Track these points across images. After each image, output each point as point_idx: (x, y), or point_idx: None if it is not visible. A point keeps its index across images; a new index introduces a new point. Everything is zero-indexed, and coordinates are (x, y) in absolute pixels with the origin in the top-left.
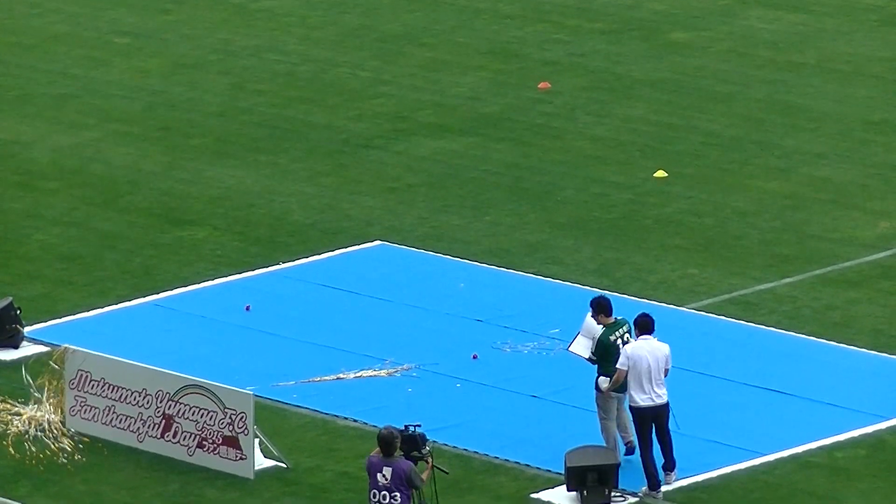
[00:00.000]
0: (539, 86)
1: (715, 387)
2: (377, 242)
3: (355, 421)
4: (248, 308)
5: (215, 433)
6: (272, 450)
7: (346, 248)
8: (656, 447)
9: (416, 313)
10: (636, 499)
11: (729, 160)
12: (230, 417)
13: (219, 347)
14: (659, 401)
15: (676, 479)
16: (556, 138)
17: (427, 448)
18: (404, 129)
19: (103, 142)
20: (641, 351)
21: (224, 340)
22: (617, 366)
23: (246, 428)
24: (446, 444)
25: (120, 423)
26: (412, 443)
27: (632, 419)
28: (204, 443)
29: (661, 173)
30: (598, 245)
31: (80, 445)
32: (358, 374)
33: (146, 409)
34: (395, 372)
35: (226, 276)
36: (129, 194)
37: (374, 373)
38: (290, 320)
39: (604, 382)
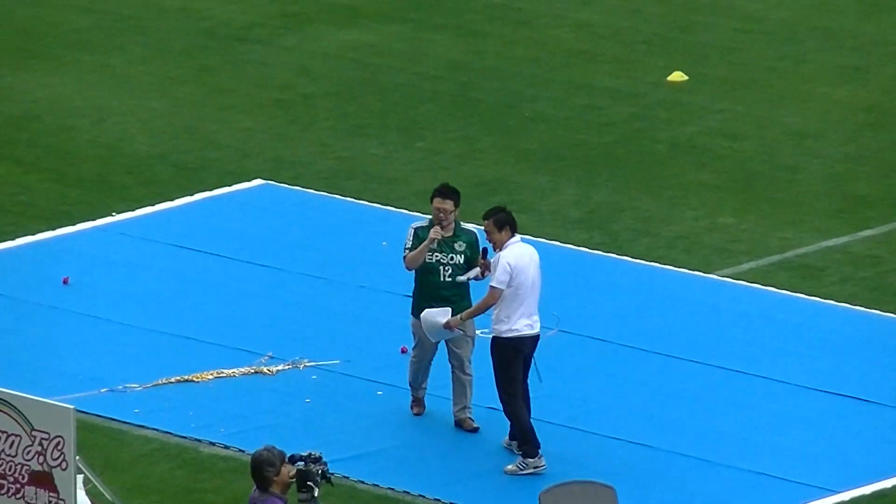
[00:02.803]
0: None
1: (762, 392)
2: (257, 182)
3: (226, 447)
4: (65, 281)
5: (18, 467)
6: (103, 492)
7: (210, 190)
8: None
9: (314, 286)
10: None
11: (778, 55)
12: (40, 444)
13: (23, 340)
14: (538, 328)
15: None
16: (521, 25)
17: (318, 489)
18: (297, 13)
19: None
20: (524, 259)
21: (30, 329)
22: (493, 283)
23: (63, 459)
24: (361, 482)
25: None
26: (305, 479)
27: (495, 360)
28: (1, 482)
29: (677, 76)
30: (586, 183)
31: None
32: (228, 374)
33: None
34: (280, 370)
35: (33, 234)
36: None
37: (250, 371)
38: (128, 298)
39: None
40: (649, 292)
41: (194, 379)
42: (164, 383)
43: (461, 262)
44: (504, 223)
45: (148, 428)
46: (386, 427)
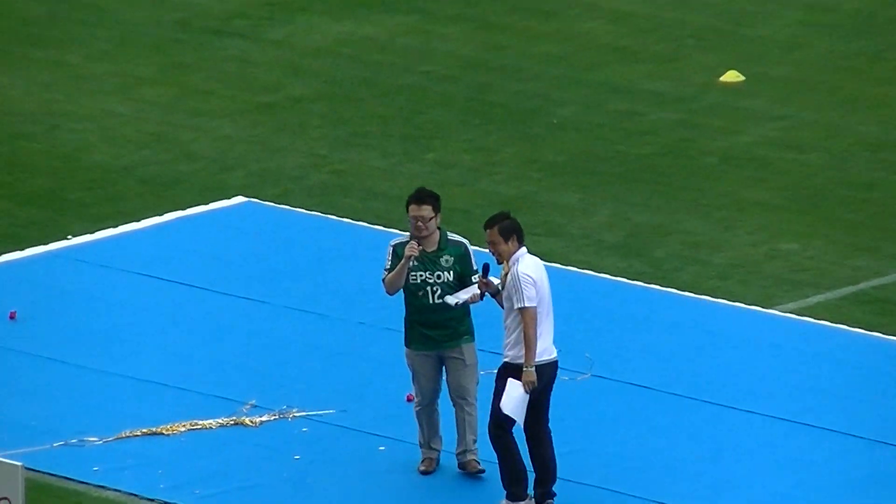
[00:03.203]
0: None
1: (832, 448)
2: (238, 199)
3: None
4: (12, 315)
5: None
6: None
7: (184, 209)
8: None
9: (304, 322)
10: None
11: (851, 51)
12: None
13: None
14: (556, 353)
15: None
16: (548, 16)
17: None
18: (285, 1)
19: None
20: (542, 272)
21: None
22: (525, 304)
23: None
24: None
25: None
26: None
27: (500, 387)
28: None
29: (731, 76)
30: (624, 202)
31: None
32: (204, 425)
33: None
34: (265, 421)
35: None
36: None
37: (229, 423)
38: (86, 336)
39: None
40: (698, 330)
41: (164, 431)
42: (129, 436)
43: (451, 279)
44: (511, 231)
45: (109, 489)
46: (389, 489)
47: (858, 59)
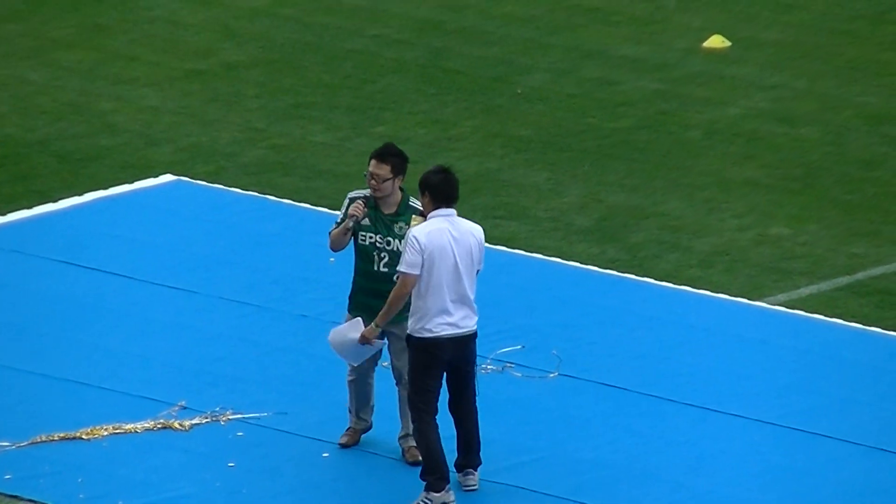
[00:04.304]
0: None
1: (827, 454)
2: (166, 178)
3: None
4: None
5: None
6: None
7: (105, 188)
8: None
9: (239, 315)
10: None
11: (850, 13)
12: None
13: None
14: (466, 327)
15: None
16: None
17: None
18: None
19: None
20: (440, 237)
21: None
22: (401, 268)
23: None
24: None
25: None
26: None
27: (410, 361)
28: None
29: (717, 41)
30: (596, 182)
31: None
32: (128, 429)
33: None
34: (196, 424)
35: None
36: None
37: (157, 426)
38: None
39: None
40: (678, 325)
41: (83, 436)
42: (44, 441)
43: (400, 248)
44: (425, 188)
45: (23, 499)
46: (333, 500)
47: (858, 23)
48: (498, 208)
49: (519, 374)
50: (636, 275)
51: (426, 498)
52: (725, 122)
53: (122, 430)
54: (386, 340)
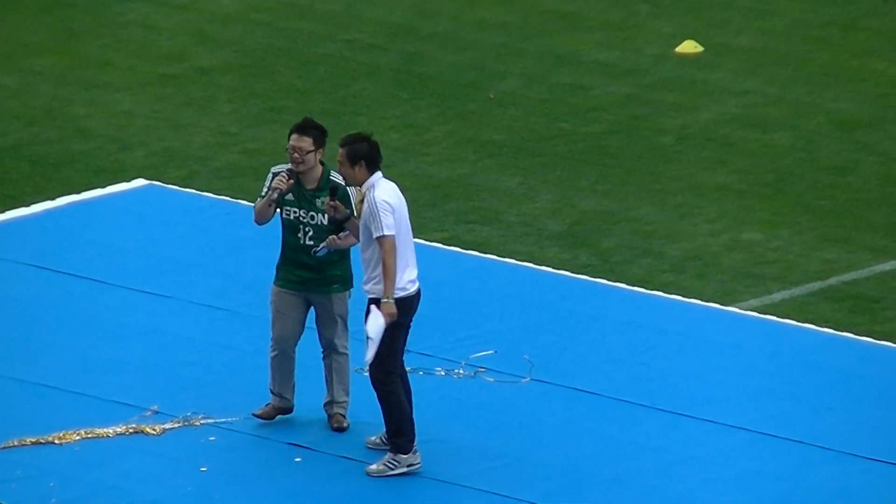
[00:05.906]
0: None
1: (800, 460)
2: (139, 182)
3: None
4: None
5: None
6: None
7: (77, 192)
8: None
9: (211, 319)
10: None
11: (822, 20)
12: None
13: None
14: (417, 283)
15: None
16: None
17: None
18: None
19: None
20: (399, 197)
21: None
22: (383, 231)
23: None
24: None
25: None
26: None
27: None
28: None
29: (689, 46)
30: (569, 187)
31: None
32: (100, 434)
33: None
34: (168, 429)
35: None
36: None
37: (129, 431)
38: None
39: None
40: (650, 330)
41: (56, 440)
42: (17, 445)
43: (324, 222)
44: (358, 157)
45: None
46: (305, 503)
47: (830, 29)
48: (470, 213)
49: (491, 379)
50: (608, 280)
51: (394, 459)
52: (698, 128)
53: (94, 435)
54: (314, 310)
